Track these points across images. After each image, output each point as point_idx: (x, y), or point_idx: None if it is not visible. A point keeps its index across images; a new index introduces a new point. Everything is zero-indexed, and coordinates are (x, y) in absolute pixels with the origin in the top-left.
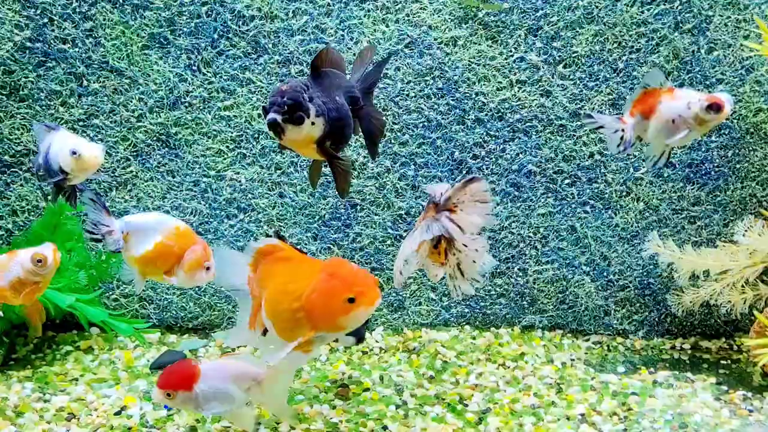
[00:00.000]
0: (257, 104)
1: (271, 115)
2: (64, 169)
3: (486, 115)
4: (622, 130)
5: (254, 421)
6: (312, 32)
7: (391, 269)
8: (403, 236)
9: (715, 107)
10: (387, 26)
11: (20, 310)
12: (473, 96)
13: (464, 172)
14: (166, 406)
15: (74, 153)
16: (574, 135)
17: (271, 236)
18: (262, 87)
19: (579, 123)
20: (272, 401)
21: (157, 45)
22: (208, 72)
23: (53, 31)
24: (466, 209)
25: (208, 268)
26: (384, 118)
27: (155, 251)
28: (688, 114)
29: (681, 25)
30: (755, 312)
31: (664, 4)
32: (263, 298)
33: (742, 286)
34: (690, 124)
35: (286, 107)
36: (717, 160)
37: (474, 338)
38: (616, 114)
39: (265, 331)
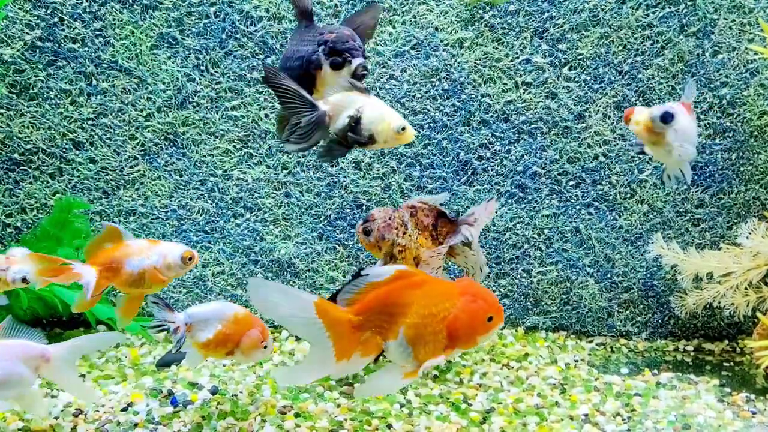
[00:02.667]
0: (264, 104)
1: (362, 60)
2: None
3: (491, 116)
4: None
5: (45, 405)
6: None
7: None
8: None
9: (625, 120)
10: (394, 27)
11: (27, 307)
12: (479, 97)
13: (469, 173)
14: (173, 401)
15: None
16: (579, 137)
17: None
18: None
19: (584, 125)
20: (64, 380)
21: (165, 45)
22: (215, 72)
23: (63, 30)
24: (481, 221)
25: (265, 347)
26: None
27: (215, 339)
28: (638, 129)
29: (686, 28)
30: (758, 314)
31: (669, 7)
32: (400, 324)
33: (746, 288)
34: (644, 137)
35: (363, 50)
36: (721, 163)
37: None
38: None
39: (377, 358)
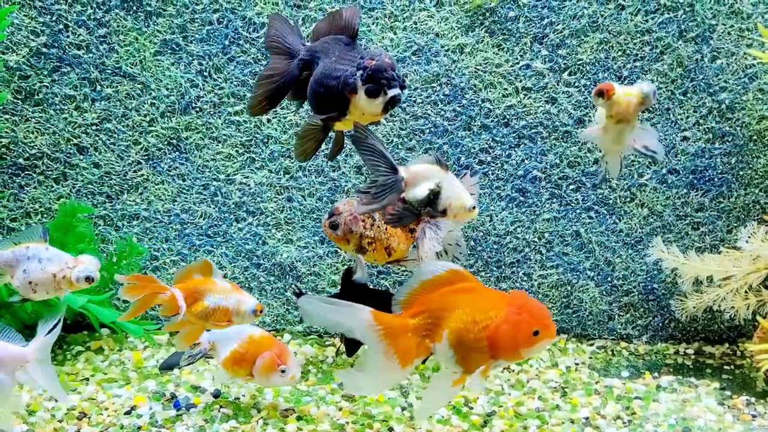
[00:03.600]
0: None
1: (398, 92)
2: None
3: (492, 121)
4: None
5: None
6: None
7: (397, 272)
8: None
9: (598, 93)
10: (395, 33)
11: (32, 311)
12: (479, 102)
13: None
14: (176, 405)
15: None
16: (579, 141)
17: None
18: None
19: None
20: (44, 381)
21: (169, 51)
22: (218, 78)
23: (68, 37)
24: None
25: (283, 371)
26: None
27: (231, 358)
28: (599, 112)
29: (685, 33)
30: (758, 318)
31: (668, 13)
32: (444, 327)
33: (746, 291)
34: (600, 119)
35: (402, 80)
36: (720, 167)
37: None
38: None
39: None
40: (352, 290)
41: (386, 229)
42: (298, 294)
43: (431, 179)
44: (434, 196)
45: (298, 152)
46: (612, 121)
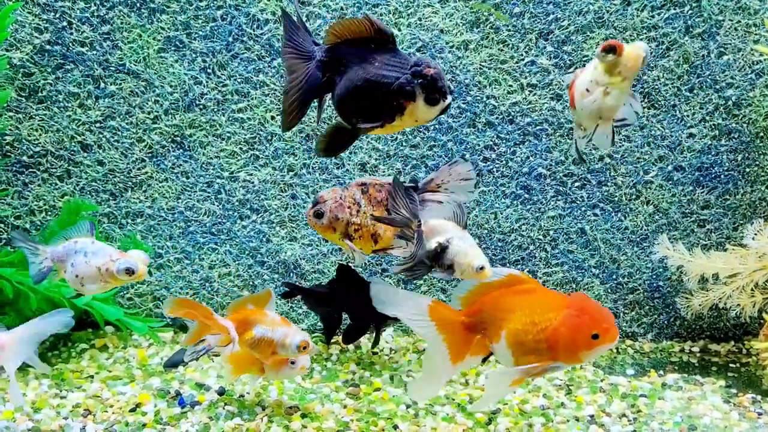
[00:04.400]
0: (270, 106)
1: (450, 100)
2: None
3: (497, 118)
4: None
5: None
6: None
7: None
8: None
9: (608, 49)
10: (399, 30)
11: (36, 308)
12: (484, 99)
13: (475, 174)
14: (180, 402)
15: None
16: (584, 138)
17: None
18: (276, 90)
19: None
20: (12, 368)
21: (173, 48)
22: (222, 75)
23: (72, 34)
24: (451, 188)
25: (293, 363)
26: None
27: (239, 356)
28: (595, 74)
29: (691, 29)
30: (765, 315)
31: (675, 9)
32: (503, 328)
33: (752, 289)
34: (602, 81)
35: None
36: (726, 164)
37: None
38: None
39: (485, 359)
40: (347, 279)
41: (372, 215)
42: (288, 286)
43: (443, 234)
44: (442, 250)
45: (318, 148)
46: (618, 80)
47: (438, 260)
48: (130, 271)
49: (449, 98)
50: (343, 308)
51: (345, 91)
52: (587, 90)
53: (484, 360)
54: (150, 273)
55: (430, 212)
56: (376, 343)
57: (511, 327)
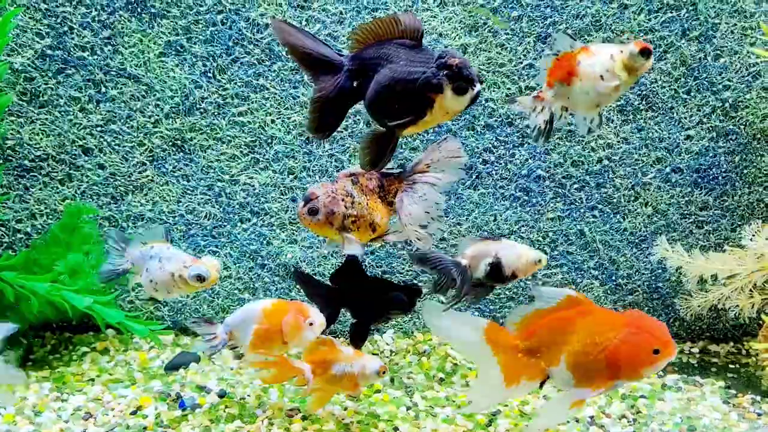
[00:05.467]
0: (270, 110)
1: (479, 87)
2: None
3: (495, 120)
4: (542, 109)
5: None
6: (325, 40)
7: (401, 273)
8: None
9: (646, 52)
10: None
11: (38, 311)
12: (483, 102)
13: (474, 177)
14: (181, 405)
15: None
16: (583, 140)
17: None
18: (276, 93)
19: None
20: None
21: (173, 52)
22: (222, 79)
23: (73, 39)
24: (440, 167)
25: (311, 324)
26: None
27: (257, 338)
28: (615, 65)
29: (688, 32)
30: (763, 316)
31: (671, 12)
32: (562, 351)
33: (750, 290)
34: (618, 75)
35: (479, 76)
36: (724, 166)
37: None
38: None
39: (542, 384)
40: (349, 272)
41: (367, 204)
42: (296, 271)
43: (487, 255)
44: (495, 267)
45: (364, 162)
46: (632, 80)
47: (498, 277)
48: (201, 278)
49: (478, 86)
50: (346, 305)
51: (374, 94)
52: (602, 77)
53: (541, 385)
54: None
55: (422, 195)
56: (364, 338)
57: (571, 349)
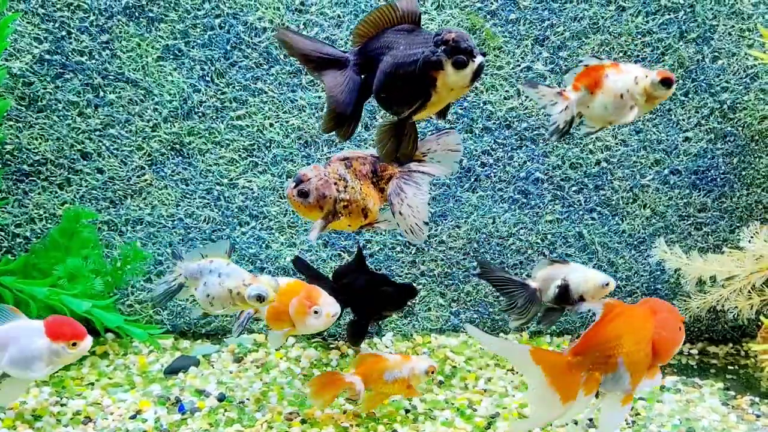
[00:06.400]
0: (269, 113)
1: (482, 59)
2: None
3: (494, 123)
4: (565, 108)
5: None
6: None
7: (401, 275)
8: (412, 243)
9: (666, 82)
10: None
11: (37, 316)
12: (481, 105)
13: (472, 179)
14: (181, 408)
15: None
16: (581, 143)
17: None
18: (274, 97)
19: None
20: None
21: (171, 56)
22: (221, 82)
23: (71, 43)
24: (437, 158)
25: (316, 312)
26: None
27: (269, 314)
28: (636, 89)
29: (686, 34)
30: (762, 317)
31: (669, 14)
32: (618, 356)
33: (749, 291)
34: (637, 99)
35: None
36: (723, 167)
37: None
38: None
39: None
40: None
41: (360, 189)
42: (297, 261)
43: (556, 278)
44: (564, 289)
45: (382, 155)
46: (649, 106)
47: (566, 300)
48: (261, 298)
49: (479, 58)
50: (347, 303)
51: (379, 83)
52: (621, 96)
53: (597, 395)
54: (150, 280)
55: (417, 184)
56: (362, 336)
57: (626, 351)
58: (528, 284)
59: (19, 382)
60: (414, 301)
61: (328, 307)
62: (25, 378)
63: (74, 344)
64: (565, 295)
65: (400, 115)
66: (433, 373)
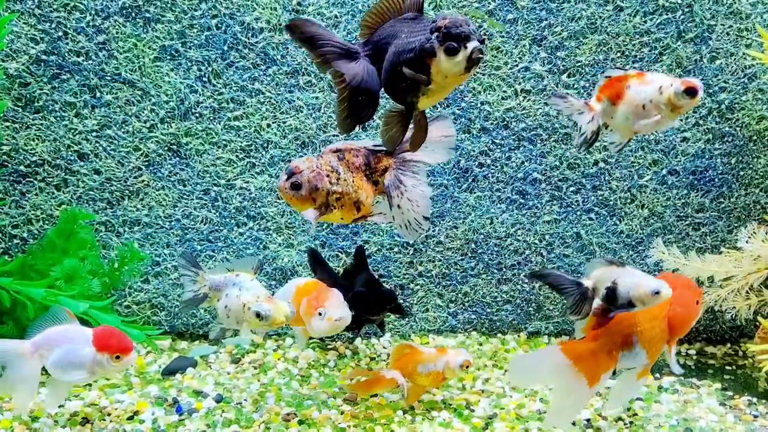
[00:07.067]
0: (266, 114)
1: (477, 44)
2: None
3: (491, 123)
4: (592, 118)
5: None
6: None
7: (399, 275)
8: (410, 243)
9: (691, 92)
10: None
11: (34, 317)
12: (479, 105)
13: (470, 180)
14: (178, 410)
15: None
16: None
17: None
18: (271, 97)
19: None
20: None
21: (168, 57)
22: (218, 83)
23: (67, 44)
24: (431, 146)
25: (320, 314)
26: None
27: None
28: (660, 99)
29: (684, 34)
30: (760, 318)
31: (667, 14)
32: (633, 334)
33: (747, 292)
34: (661, 109)
35: (479, 34)
36: (720, 168)
37: (481, 344)
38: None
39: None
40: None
41: (353, 181)
42: (311, 253)
43: (608, 280)
44: (612, 291)
45: (385, 142)
46: (674, 116)
47: (614, 302)
48: (259, 316)
49: (473, 44)
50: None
51: (386, 72)
52: (643, 106)
53: (614, 373)
54: (147, 281)
55: (415, 174)
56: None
57: (641, 329)
58: (581, 283)
59: (62, 385)
60: (412, 302)
61: (332, 311)
62: (66, 381)
63: (118, 357)
64: (612, 298)
65: (406, 103)
66: (468, 367)
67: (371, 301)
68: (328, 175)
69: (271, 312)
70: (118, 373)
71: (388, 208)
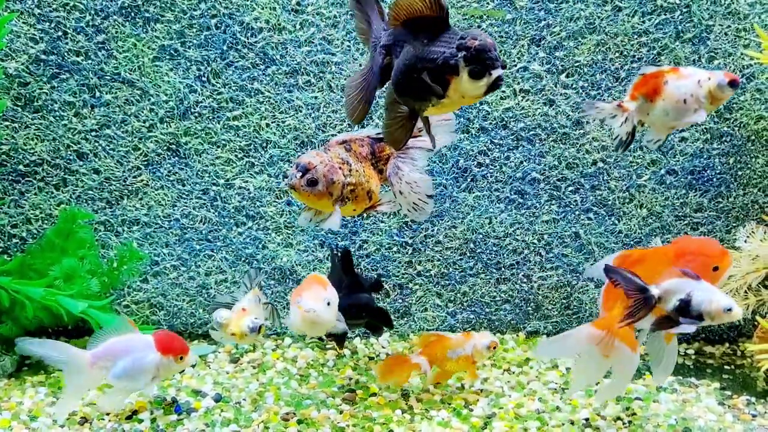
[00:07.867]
0: (265, 114)
1: (501, 73)
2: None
3: (490, 123)
4: (625, 120)
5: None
6: (319, 43)
7: (397, 275)
8: (409, 243)
9: (734, 84)
10: None
11: (33, 316)
12: (477, 105)
13: (469, 180)
14: (177, 409)
15: None
16: (577, 143)
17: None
18: (270, 97)
19: (582, 131)
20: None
21: (167, 57)
22: (217, 83)
23: (67, 44)
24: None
25: (299, 303)
26: None
27: None
28: (700, 92)
29: (682, 34)
30: (758, 317)
31: (665, 14)
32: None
33: (745, 291)
34: (702, 102)
35: (502, 61)
36: (719, 167)
37: None
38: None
39: None
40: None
41: (363, 171)
42: (336, 252)
43: (681, 291)
44: (685, 304)
45: (389, 141)
46: (713, 108)
47: (685, 314)
48: (218, 324)
49: (498, 71)
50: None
51: (398, 72)
52: (684, 101)
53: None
54: (146, 280)
55: (413, 159)
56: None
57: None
58: (648, 289)
59: (124, 392)
60: (410, 302)
61: (304, 302)
62: (131, 389)
63: (181, 358)
64: (684, 310)
65: (413, 108)
66: (495, 348)
67: (352, 307)
68: (340, 167)
69: (222, 320)
70: (176, 372)
71: (393, 195)
